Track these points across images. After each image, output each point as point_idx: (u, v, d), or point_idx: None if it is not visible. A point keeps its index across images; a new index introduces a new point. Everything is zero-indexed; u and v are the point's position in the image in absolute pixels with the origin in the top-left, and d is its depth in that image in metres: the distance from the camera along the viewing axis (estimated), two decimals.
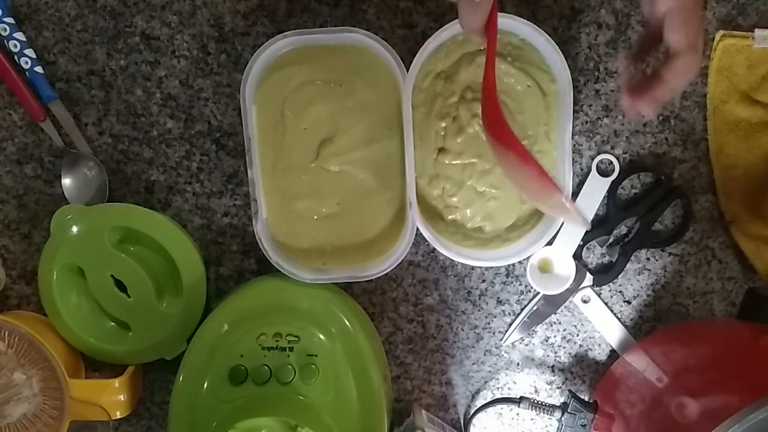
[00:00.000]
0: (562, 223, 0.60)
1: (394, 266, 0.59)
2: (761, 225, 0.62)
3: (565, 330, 0.65)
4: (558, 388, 0.66)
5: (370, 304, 0.65)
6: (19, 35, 0.60)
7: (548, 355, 0.65)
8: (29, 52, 0.61)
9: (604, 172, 0.62)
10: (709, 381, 0.54)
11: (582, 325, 0.65)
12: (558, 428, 0.62)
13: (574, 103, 0.58)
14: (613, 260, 0.64)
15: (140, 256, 0.61)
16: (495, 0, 0.46)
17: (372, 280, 0.63)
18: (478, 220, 0.61)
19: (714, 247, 0.64)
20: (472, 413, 0.65)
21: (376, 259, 0.60)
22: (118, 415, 0.59)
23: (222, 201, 0.63)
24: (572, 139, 0.60)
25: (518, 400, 0.62)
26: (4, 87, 0.62)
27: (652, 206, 0.62)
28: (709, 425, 0.47)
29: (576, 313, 0.65)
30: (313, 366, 0.57)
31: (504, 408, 0.66)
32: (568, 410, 0.61)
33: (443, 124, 0.59)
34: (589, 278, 0.63)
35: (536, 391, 0.66)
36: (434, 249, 0.62)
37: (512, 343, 0.65)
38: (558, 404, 0.62)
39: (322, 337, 0.58)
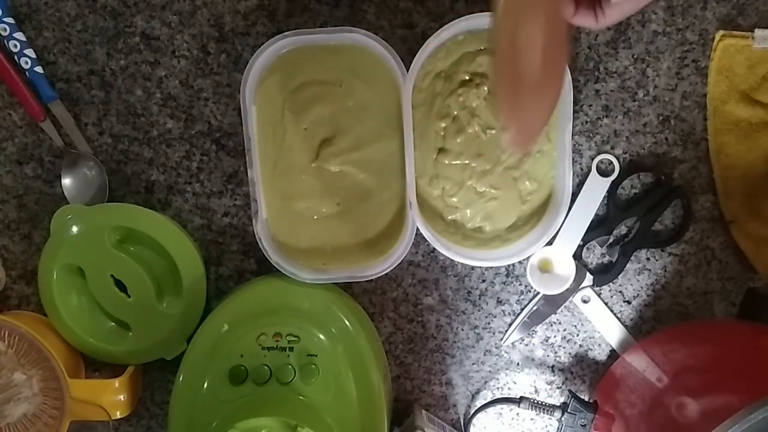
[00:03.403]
0: (562, 223, 0.61)
1: (394, 266, 0.59)
2: (761, 225, 0.62)
3: (565, 330, 0.65)
4: (558, 388, 0.66)
5: (370, 304, 0.65)
6: (19, 35, 0.61)
7: (548, 355, 0.65)
8: (29, 52, 0.61)
9: (604, 172, 0.62)
10: (709, 381, 0.54)
11: (582, 325, 0.65)
12: (558, 428, 0.62)
13: (574, 103, 0.58)
14: (613, 260, 0.64)
15: (140, 256, 0.61)
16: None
17: (372, 280, 0.63)
18: (478, 220, 0.61)
19: (714, 247, 0.64)
20: (472, 413, 0.65)
21: (376, 259, 0.60)
22: (118, 415, 0.59)
23: (222, 201, 0.63)
24: (572, 139, 0.60)
25: (518, 400, 0.62)
26: (4, 87, 0.62)
27: (652, 206, 0.62)
28: (709, 425, 0.47)
29: (576, 313, 0.65)
30: (313, 366, 0.57)
31: (504, 408, 0.66)
32: (568, 410, 0.61)
33: (443, 124, 0.59)
34: (589, 278, 0.63)
35: (536, 391, 0.66)
36: (434, 249, 0.62)
37: (512, 343, 0.65)
38: (558, 404, 0.62)
39: (322, 337, 0.58)
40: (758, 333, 0.58)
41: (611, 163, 0.62)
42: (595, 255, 0.64)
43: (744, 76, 0.61)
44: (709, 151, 0.62)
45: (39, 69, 0.61)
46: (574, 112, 0.61)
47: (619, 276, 0.64)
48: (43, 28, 0.61)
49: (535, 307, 0.64)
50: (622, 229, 0.64)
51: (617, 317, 0.64)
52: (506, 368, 0.66)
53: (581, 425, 0.61)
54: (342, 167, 0.60)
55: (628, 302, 0.65)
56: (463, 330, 0.65)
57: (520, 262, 0.64)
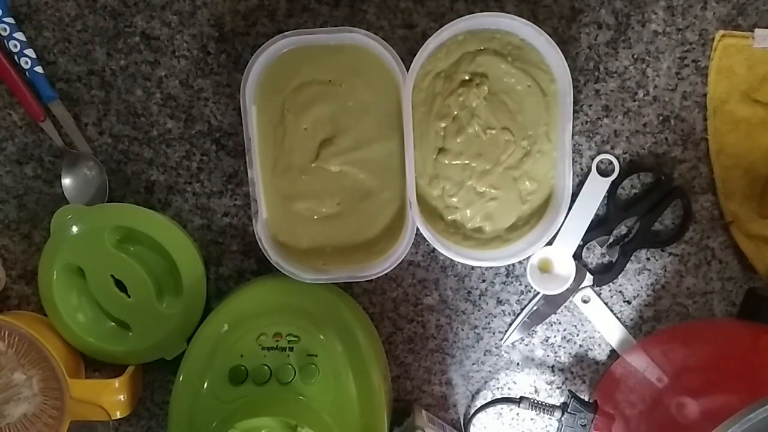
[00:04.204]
0: (562, 223, 0.60)
1: (394, 266, 0.59)
2: (761, 225, 0.62)
3: (565, 330, 0.65)
4: (558, 388, 0.66)
5: (370, 304, 0.65)
6: (19, 35, 0.61)
7: (548, 355, 0.65)
8: (29, 52, 0.61)
9: (604, 172, 0.62)
10: (709, 381, 0.54)
11: (582, 325, 0.65)
12: (558, 428, 0.62)
13: (574, 103, 0.58)
14: (613, 260, 0.64)
15: (140, 256, 0.61)
16: None
17: (372, 280, 0.63)
18: (478, 220, 0.61)
19: (714, 247, 0.64)
20: (472, 413, 0.65)
21: (376, 259, 0.60)
22: (118, 415, 0.59)
23: (222, 201, 0.63)
24: (572, 139, 0.60)
25: (518, 400, 0.62)
26: (4, 87, 0.62)
27: (652, 206, 0.62)
28: (709, 425, 0.47)
29: (576, 313, 0.65)
30: (313, 366, 0.57)
31: (504, 408, 0.66)
32: (568, 410, 0.61)
33: (443, 124, 0.59)
34: (589, 278, 0.63)
35: (536, 391, 0.66)
36: (434, 249, 0.62)
37: (512, 343, 0.65)
38: (558, 404, 0.63)
39: (322, 337, 0.58)
40: (758, 333, 0.58)
41: (611, 163, 0.62)
42: (595, 255, 0.64)
43: (744, 76, 0.61)
44: (709, 151, 0.62)
45: (39, 69, 0.61)
46: (574, 112, 0.60)
47: (619, 276, 0.64)
48: (43, 28, 0.61)
49: (535, 307, 0.64)
50: (622, 229, 0.64)
51: (617, 317, 0.64)
52: (506, 368, 0.66)
53: (581, 425, 0.61)
54: (342, 167, 0.60)
55: (628, 302, 0.65)
56: (463, 330, 0.65)
57: (520, 262, 0.64)
